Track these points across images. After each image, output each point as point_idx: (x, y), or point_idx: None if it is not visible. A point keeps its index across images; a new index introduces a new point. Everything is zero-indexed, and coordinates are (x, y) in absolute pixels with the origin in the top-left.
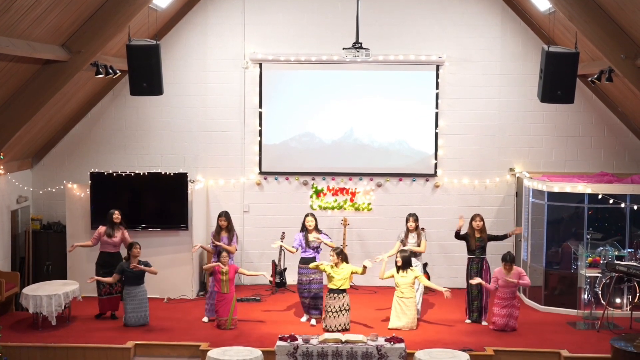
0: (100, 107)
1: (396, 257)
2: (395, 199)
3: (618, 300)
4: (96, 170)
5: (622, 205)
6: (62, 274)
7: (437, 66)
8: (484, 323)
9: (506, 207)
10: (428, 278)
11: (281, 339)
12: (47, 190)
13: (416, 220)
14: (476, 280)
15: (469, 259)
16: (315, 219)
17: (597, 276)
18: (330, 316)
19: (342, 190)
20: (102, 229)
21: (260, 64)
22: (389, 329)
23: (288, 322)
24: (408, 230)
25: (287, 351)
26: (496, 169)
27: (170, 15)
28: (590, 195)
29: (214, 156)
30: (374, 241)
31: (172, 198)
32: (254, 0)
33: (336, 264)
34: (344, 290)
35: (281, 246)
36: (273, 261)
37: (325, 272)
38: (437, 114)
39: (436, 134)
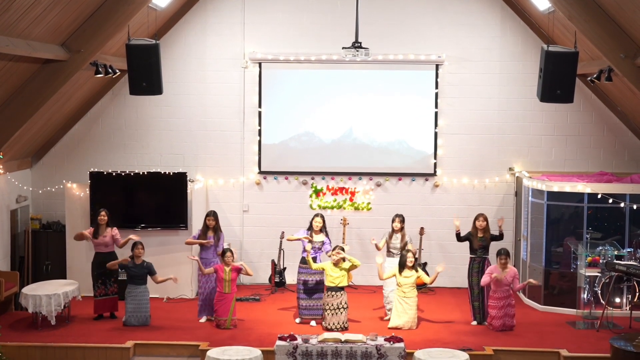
0: (99, 107)
1: (402, 258)
2: (395, 198)
3: (617, 300)
4: (96, 169)
5: (622, 204)
6: (61, 274)
7: (437, 65)
8: (484, 323)
9: (506, 207)
10: None
11: (280, 338)
12: (46, 189)
13: (402, 221)
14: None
15: (471, 258)
16: (324, 221)
17: (597, 276)
18: (329, 314)
19: (341, 189)
20: (90, 230)
21: (260, 64)
22: (389, 328)
23: (288, 321)
24: (393, 231)
25: (287, 351)
26: (496, 168)
27: (169, 15)
28: (589, 194)
29: (213, 156)
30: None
31: (171, 197)
32: (254, 0)
33: (336, 263)
34: (342, 288)
35: (292, 239)
36: (272, 261)
37: (325, 269)
38: (436, 113)
39: (435, 133)
